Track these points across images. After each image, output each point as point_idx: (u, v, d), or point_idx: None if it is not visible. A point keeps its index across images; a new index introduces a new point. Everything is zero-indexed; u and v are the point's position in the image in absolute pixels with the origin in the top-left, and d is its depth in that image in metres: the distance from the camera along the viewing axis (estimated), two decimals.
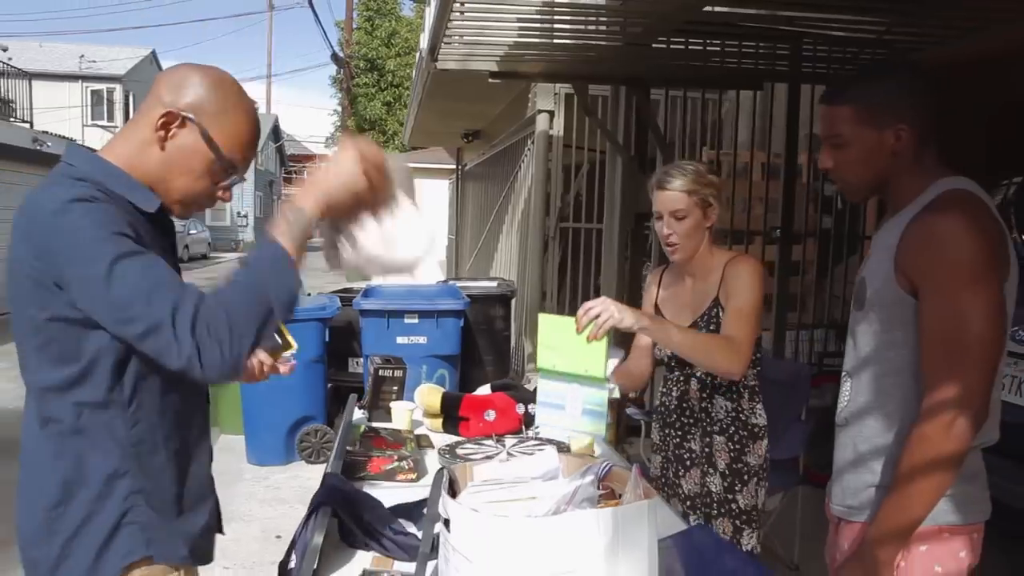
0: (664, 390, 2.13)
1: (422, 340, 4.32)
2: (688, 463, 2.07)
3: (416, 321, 4.31)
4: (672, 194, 1.96)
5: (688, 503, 2.06)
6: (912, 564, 1.35)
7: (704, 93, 4.33)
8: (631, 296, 3.94)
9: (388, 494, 1.85)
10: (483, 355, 5.20)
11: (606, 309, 1.72)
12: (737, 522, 2.00)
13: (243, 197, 31.42)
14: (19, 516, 1.26)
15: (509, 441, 2.28)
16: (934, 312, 1.29)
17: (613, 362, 1.88)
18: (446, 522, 1.33)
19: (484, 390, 2.67)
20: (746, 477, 2.00)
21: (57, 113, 21.50)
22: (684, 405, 2.06)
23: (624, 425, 3.87)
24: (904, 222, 1.37)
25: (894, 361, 1.38)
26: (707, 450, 2.03)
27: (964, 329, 1.26)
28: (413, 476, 2.00)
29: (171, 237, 1.35)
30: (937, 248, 1.29)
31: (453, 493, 1.47)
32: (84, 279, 1.11)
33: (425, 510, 1.74)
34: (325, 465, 2.61)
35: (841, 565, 1.40)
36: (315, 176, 1.27)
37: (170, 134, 1.24)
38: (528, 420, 2.41)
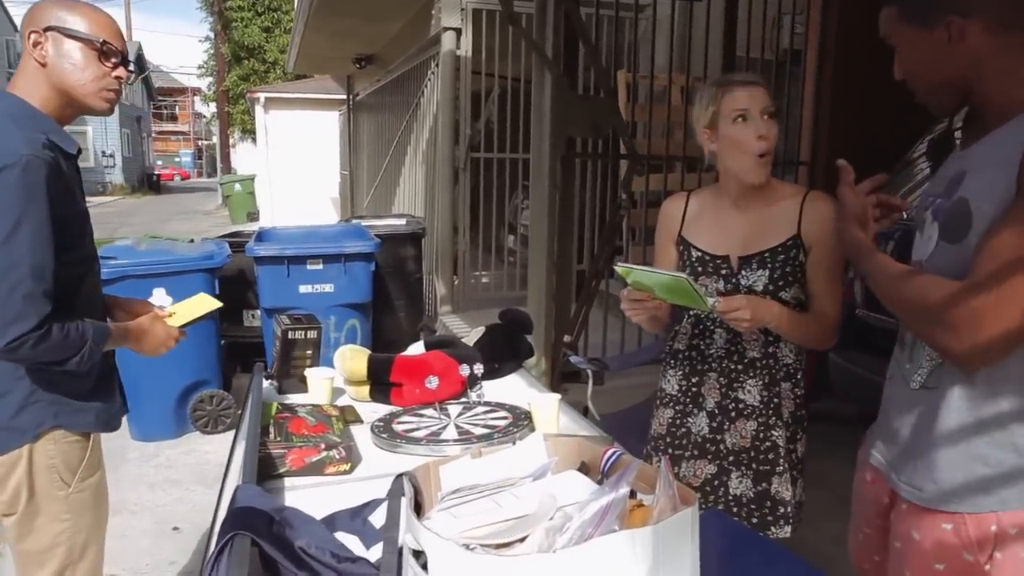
0: (695, 332, 1.81)
1: (328, 288, 3.85)
2: (735, 414, 1.76)
3: (320, 267, 3.82)
4: (760, 90, 1.66)
5: (732, 458, 1.76)
6: (1005, 555, 1.11)
7: (618, 12, 3.97)
8: (561, 233, 3.59)
9: (315, 493, 1.47)
10: (394, 300, 4.79)
11: (749, 319, 1.55)
12: (794, 472, 1.76)
13: (108, 135, 28.66)
14: None
15: (453, 409, 1.92)
16: None
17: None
18: (416, 553, 0.97)
19: (416, 348, 2.28)
20: (805, 424, 1.79)
21: None
22: (735, 350, 1.75)
23: (559, 371, 3.60)
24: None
25: None
26: (775, 400, 1.74)
27: None
28: (346, 467, 1.60)
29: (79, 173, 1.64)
30: None
31: (418, 506, 1.11)
32: None
33: (369, 517, 1.38)
34: (230, 450, 2.17)
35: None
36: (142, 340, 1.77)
37: (42, 49, 1.52)
38: (471, 381, 2.06)
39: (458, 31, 5.19)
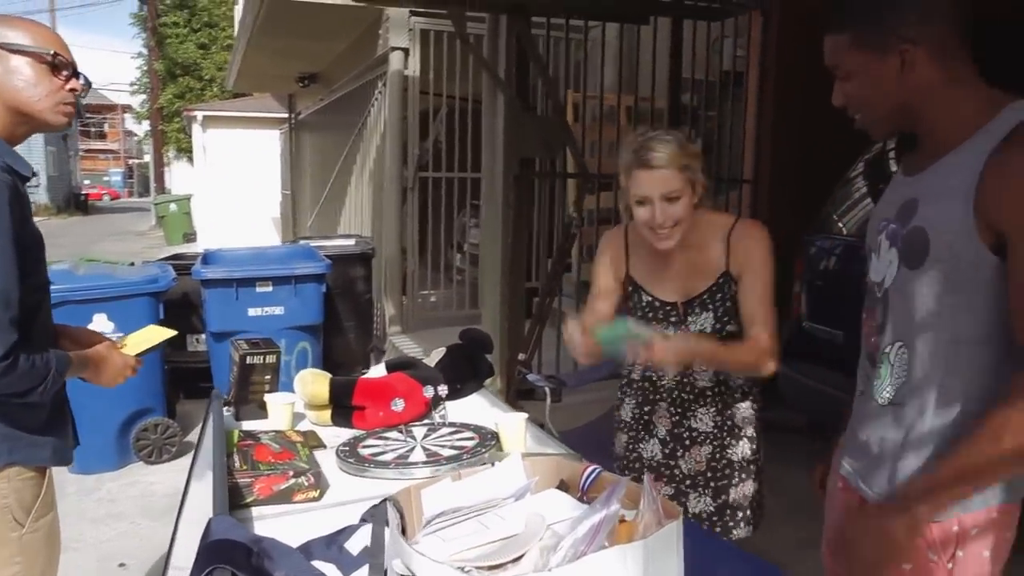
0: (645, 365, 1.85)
1: (278, 311, 3.78)
2: (688, 442, 1.81)
3: (270, 289, 3.75)
4: (662, 172, 1.63)
5: (688, 481, 1.82)
6: (967, 553, 1.17)
7: (568, 34, 4.05)
8: (514, 253, 3.61)
9: (284, 523, 1.43)
10: (344, 322, 4.73)
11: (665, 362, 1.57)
12: (755, 479, 1.83)
13: (31, 153, 27.47)
14: None
15: (418, 431, 1.90)
16: None
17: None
18: None
19: (378, 371, 2.26)
20: (762, 434, 1.83)
21: None
22: (686, 381, 1.79)
23: (515, 389, 3.60)
24: (976, 159, 1.12)
25: (962, 328, 1.16)
26: (728, 423, 1.79)
27: None
28: (315, 494, 1.57)
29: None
30: None
31: (402, 530, 1.10)
32: None
33: (345, 543, 1.36)
34: (186, 481, 2.10)
35: (877, 508, 1.23)
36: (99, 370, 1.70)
37: None
38: (435, 402, 2.05)
39: (406, 51, 5.19)
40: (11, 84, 1.46)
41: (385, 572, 1.08)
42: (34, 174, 1.56)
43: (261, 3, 5.06)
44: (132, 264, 4.37)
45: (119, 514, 3.22)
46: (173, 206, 16.05)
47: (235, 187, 14.81)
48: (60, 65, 1.50)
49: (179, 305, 4.16)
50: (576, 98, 4.97)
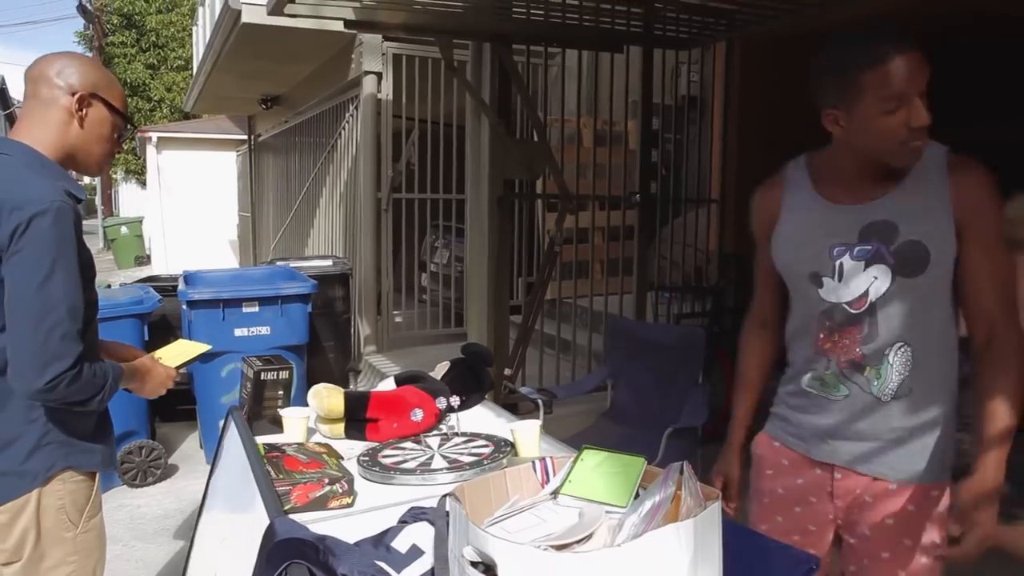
0: None
1: (264, 331, 3.81)
2: None
3: (256, 309, 3.78)
4: None
5: None
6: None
7: (547, 61, 4.21)
8: (498, 273, 3.71)
9: (321, 528, 1.48)
10: (323, 341, 4.77)
11: None
12: None
13: None
14: None
15: (433, 441, 1.99)
16: (1000, 265, 1.33)
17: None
18: (476, 565, 1.06)
19: (387, 384, 2.33)
20: None
21: None
22: None
23: (501, 404, 3.69)
24: (937, 180, 1.34)
25: (946, 323, 1.39)
26: None
27: (1015, 279, 1.34)
28: (348, 500, 1.64)
29: None
30: (994, 204, 1.33)
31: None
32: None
33: (391, 543, 1.44)
34: (204, 494, 2.15)
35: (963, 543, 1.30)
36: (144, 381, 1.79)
37: (82, 112, 1.56)
38: (443, 414, 2.14)
39: (379, 75, 5.29)
40: (92, 134, 1.58)
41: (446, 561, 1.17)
42: (85, 198, 1.63)
43: (233, 26, 5.10)
44: (109, 287, 4.34)
45: (111, 537, 3.14)
46: (124, 229, 15.72)
47: (190, 209, 14.58)
48: (124, 130, 1.66)
49: (157, 327, 4.14)
50: (550, 122, 5.15)
